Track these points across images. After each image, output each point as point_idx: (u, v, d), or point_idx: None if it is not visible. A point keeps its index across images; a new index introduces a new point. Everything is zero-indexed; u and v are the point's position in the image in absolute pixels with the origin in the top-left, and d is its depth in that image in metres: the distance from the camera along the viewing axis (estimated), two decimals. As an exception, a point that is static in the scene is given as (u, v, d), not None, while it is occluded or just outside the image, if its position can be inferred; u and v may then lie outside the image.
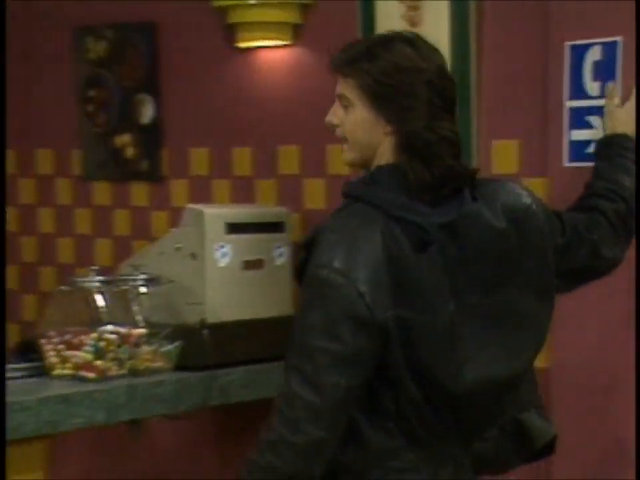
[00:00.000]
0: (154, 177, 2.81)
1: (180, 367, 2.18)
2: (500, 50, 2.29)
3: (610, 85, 2.03)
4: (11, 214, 3.07)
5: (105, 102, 2.85)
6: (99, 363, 2.07)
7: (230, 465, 2.54)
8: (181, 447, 2.73)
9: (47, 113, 2.97)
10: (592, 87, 2.07)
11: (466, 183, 1.62)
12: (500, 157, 2.30)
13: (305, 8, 2.53)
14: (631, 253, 1.90)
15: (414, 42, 1.62)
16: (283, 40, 2.53)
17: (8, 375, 2.03)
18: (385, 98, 1.59)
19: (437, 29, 2.34)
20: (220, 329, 2.26)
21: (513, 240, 1.62)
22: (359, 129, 1.62)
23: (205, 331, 2.26)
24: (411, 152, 1.59)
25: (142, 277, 2.25)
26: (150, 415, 2.12)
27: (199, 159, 2.75)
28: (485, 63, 2.30)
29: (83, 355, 2.07)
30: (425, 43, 1.64)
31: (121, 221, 2.88)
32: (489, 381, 1.62)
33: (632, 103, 1.98)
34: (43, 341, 2.12)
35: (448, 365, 1.58)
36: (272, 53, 2.58)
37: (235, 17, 2.53)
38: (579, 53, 2.09)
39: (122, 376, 2.08)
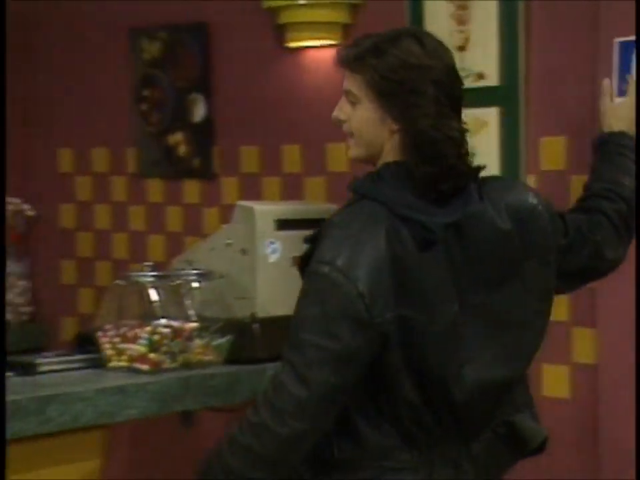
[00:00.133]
0: (205, 174, 2.83)
1: (231, 360, 2.19)
2: (548, 48, 2.26)
3: (605, 81, 1.98)
4: (69, 211, 3.11)
5: (159, 101, 2.87)
6: (152, 355, 2.09)
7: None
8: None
9: (102, 113, 3.01)
10: (641, 83, 2.04)
11: (470, 182, 1.59)
12: (548, 154, 2.28)
13: (354, 8, 2.53)
14: (631, 252, 1.86)
15: (422, 39, 1.60)
16: (332, 40, 2.53)
17: (67, 365, 2.06)
18: (391, 95, 1.57)
19: (485, 28, 2.32)
20: (269, 323, 2.26)
21: (517, 241, 1.60)
22: (365, 125, 1.61)
23: (255, 325, 2.26)
24: (417, 150, 1.57)
25: (194, 272, 2.26)
26: (201, 407, 2.13)
27: (249, 156, 2.76)
28: (533, 61, 2.28)
29: (138, 348, 2.09)
30: (434, 40, 1.61)
31: (174, 218, 2.91)
32: (488, 383, 1.60)
33: (631, 99, 1.92)
34: (99, 333, 2.14)
35: (449, 365, 1.56)
36: (321, 52, 2.58)
37: (284, 17, 2.53)
38: (627, 50, 2.06)
39: (175, 369, 2.10)
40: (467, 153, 1.61)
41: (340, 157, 2.60)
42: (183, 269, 2.28)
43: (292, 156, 2.68)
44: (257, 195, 2.72)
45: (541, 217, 1.64)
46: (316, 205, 2.56)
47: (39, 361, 2.06)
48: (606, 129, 1.92)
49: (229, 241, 2.30)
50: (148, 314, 2.15)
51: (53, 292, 3.14)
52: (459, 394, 1.57)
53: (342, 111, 1.64)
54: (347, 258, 1.52)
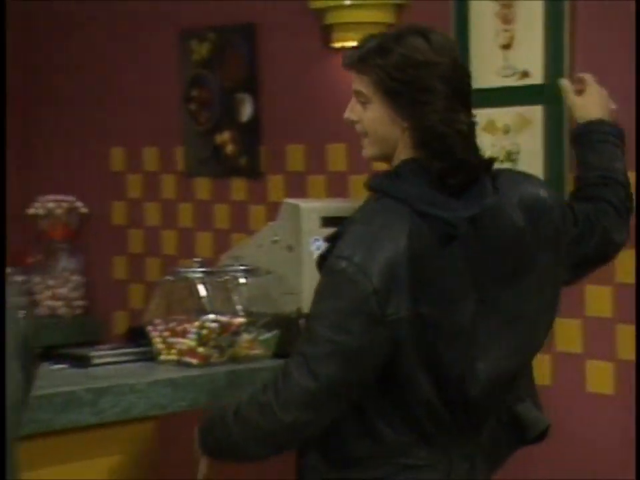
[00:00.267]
0: (252, 172, 2.84)
1: (277, 354, 2.20)
2: (592, 46, 2.23)
3: (561, 81, 1.96)
4: (120, 208, 3.15)
5: (207, 101, 2.89)
6: (201, 349, 2.10)
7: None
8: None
9: (153, 113, 3.04)
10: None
11: (482, 174, 1.58)
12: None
13: (398, 8, 2.52)
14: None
15: (427, 35, 1.58)
16: (377, 40, 2.52)
17: (120, 358, 2.09)
18: (399, 93, 1.56)
19: (530, 27, 2.30)
20: (315, 318, 2.27)
21: (529, 235, 1.59)
22: (377, 124, 1.60)
23: (301, 320, 2.27)
24: (427, 146, 1.56)
25: (241, 268, 2.27)
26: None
27: (295, 155, 2.77)
28: (578, 59, 2.25)
29: (187, 342, 2.11)
30: (440, 36, 1.60)
31: (221, 215, 2.93)
32: (500, 376, 1.59)
33: (595, 88, 1.90)
34: (149, 328, 2.16)
35: (464, 361, 1.55)
36: (366, 52, 2.58)
37: (330, 18, 2.54)
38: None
39: (223, 362, 2.11)
40: (476, 146, 1.60)
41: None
42: (231, 265, 2.30)
43: (337, 154, 2.69)
44: (302, 193, 2.72)
45: (552, 212, 1.63)
46: (360, 202, 2.55)
47: (92, 353, 2.09)
48: (581, 121, 1.89)
49: (275, 238, 2.31)
50: (197, 309, 2.17)
51: (105, 287, 3.18)
52: (473, 389, 1.57)
53: (353, 111, 1.64)
54: (365, 254, 1.52)
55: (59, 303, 3.13)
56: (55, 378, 1.90)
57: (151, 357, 2.12)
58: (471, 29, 2.38)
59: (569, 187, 2.16)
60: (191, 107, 2.93)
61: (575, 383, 2.31)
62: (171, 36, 2.95)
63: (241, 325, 2.17)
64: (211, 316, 2.15)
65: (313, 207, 2.35)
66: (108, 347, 2.20)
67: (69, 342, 2.67)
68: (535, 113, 2.33)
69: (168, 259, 3.00)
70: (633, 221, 2.13)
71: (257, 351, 2.19)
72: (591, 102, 1.89)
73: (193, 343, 2.10)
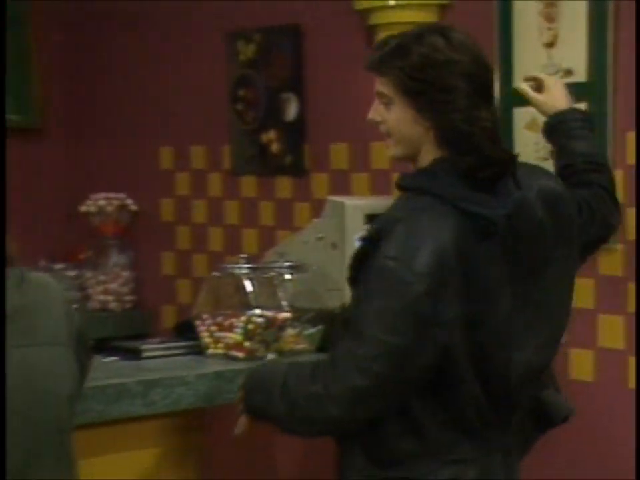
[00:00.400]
0: (297, 171, 2.85)
1: (321, 348, 2.20)
2: (635, 44, 2.20)
3: (520, 85, 1.95)
4: (169, 205, 3.18)
5: (253, 101, 2.91)
6: (247, 344, 2.12)
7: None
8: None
9: (200, 112, 3.06)
10: None
11: (507, 170, 1.57)
12: (635, 148, 2.22)
13: (442, 8, 2.51)
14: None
15: (447, 34, 1.56)
16: (420, 40, 2.52)
17: (169, 351, 2.11)
18: (420, 94, 1.55)
19: (574, 25, 2.28)
20: (359, 314, 2.27)
21: (549, 227, 1.59)
22: (401, 125, 1.59)
23: (343, 315, 2.27)
24: (452, 145, 1.55)
25: (286, 264, 2.29)
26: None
27: (339, 153, 2.77)
28: (621, 57, 2.22)
29: (234, 336, 2.13)
30: (459, 33, 1.58)
31: (267, 212, 2.94)
32: (535, 368, 1.60)
33: (552, 80, 1.92)
34: (197, 322, 2.19)
35: (506, 355, 1.56)
36: (410, 52, 2.57)
37: (375, 19, 2.53)
38: None
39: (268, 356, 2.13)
40: (500, 141, 1.59)
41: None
42: (276, 262, 2.31)
43: (380, 152, 2.68)
44: (346, 191, 2.73)
45: (567, 203, 1.64)
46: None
47: (143, 346, 2.11)
48: (552, 111, 1.88)
49: (320, 235, 2.32)
50: (243, 304, 2.18)
51: (154, 282, 3.21)
52: (514, 381, 1.58)
53: (376, 112, 1.63)
54: (413, 254, 1.51)
55: (110, 298, 3.17)
56: (107, 370, 1.93)
57: (198, 350, 2.14)
58: (514, 28, 2.36)
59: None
60: (237, 106, 2.95)
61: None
62: (218, 37, 2.97)
63: (286, 319, 2.18)
64: (257, 311, 2.16)
65: (357, 205, 2.35)
66: (158, 341, 2.23)
67: (119, 335, 2.71)
68: (579, 111, 2.31)
69: (214, 255, 3.02)
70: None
71: (302, 346, 2.20)
72: (554, 95, 1.89)
73: (239, 337, 2.12)
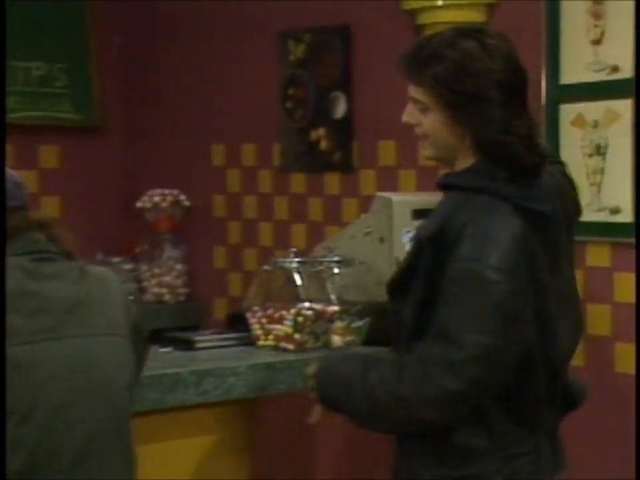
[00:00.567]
0: (345, 167, 2.85)
1: (369, 341, 2.20)
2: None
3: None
4: (220, 201, 3.20)
5: (303, 100, 2.91)
6: (297, 336, 2.12)
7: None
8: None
9: (252, 111, 3.07)
10: None
11: (541, 172, 1.57)
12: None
13: (489, 7, 2.49)
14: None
15: (480, 38, 1.54)
16: (467, 38, 2.49)
17: (221, 343, 2.13)
18: (455, 104, 1.53)
19: (620, 22, 2.24)
20: (406, 307, 2.26)
21: (560, 217, 1.60)
22: (437, 131, 1.57)
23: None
24: (489, 153, 1.54)
25: (335, 258, 2.29)
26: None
27: (387, 150, 2.77)
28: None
29: (284, 329, 2.13)
30: (493, 36, 1.55)
31: (315, 208, 2.94)
32: (570, 354, 1.62)
33: None
34: (248, 314, 2.20)
35: (556, 343, 1.57)
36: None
37: (423, 18, 2.52)
38: None
39: (317, 348, 2.13)
40: (536, 145, 1.57)
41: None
42: (325, 256, 2.31)
43: (427, 149, 2.67)
44: (393, 187, 2.72)
45: (567, 189, 1.65)
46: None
47: (196, 338, 2.14)
48: None
49: (368, 230, 2.31)
50: (293, 297, 2.19)
51: (206, 275, 3.24)
52: (562, 369, 1.60)
53: (411, 116, 1.61)
54: (493, 254, 1.50)
55: (164, 290, 3.21)
56: (162, 360, 1.95)
57: (249, 342, 2.16)
58: (561, 25, 2.33)
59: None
60: (287, 105, 2.96)
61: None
62: (269, 38, 2.98)
63: (334, 312, 2.19)
64: (306, 304, 2.17)
65: (405, 200, 2.34)
66: (210, 332, 2.25)
67: (173, 326, 2.74)
68: (625, 107, 2.27)
69: (264, 249, 3.03)
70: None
71: (350, 338, 2.20)
72: None
73: (289, 330, 2.13)
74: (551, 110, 2.37)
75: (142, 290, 3.19)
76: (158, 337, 2.12)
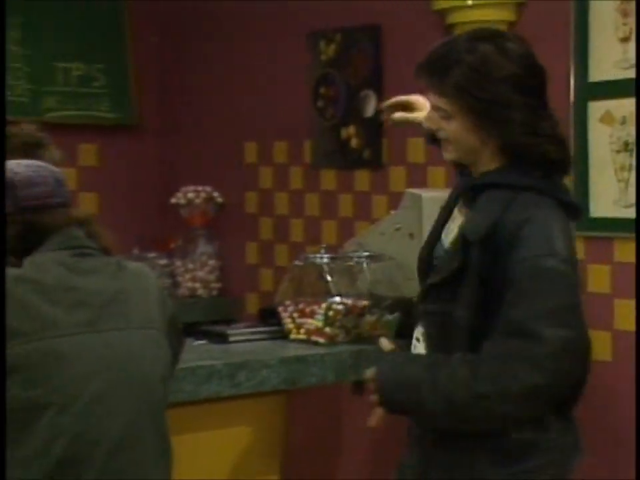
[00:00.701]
0: (375, 164, 2.85)
1: (399, 335, 2.20)
2: None
3: (391, 117, 1.95)
4: (253, 198, 3.21)
5: (334, 98, 2.91)
6: (328, 330, 2.13)
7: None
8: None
9: (283, 109, 3.08)
10: None
11: (569, 165, 1.59)
12: None
13: (518, 6, 2.47)
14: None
15: (499, 42, 1.52)
16: (497, 37, 2.48)
17: (254, 336, 2.14)
18: (477, 110, 1.52)
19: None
20: (434, 302, 2.25)
21: None
22: (461, 137, 1.56)
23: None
24: (515, 156, 1.54)
25: (365, 254, 2.29)
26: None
27: (416, 147, 2.76)
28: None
29: (315, 322, 2.14)
30: (512, 41, 1.54)
31: (346, 205, 2.94)
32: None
33: (412, 97, 1.93)
34: (280, 308, 2.21)
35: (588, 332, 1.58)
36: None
37: (452, 18, 2.50)
38: None
39: (348, 342, 2.14)
40: (563, 140, 1.57)
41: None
42: (355, 252, 2.31)
43: (456, 147, 2.65)
44: (422, 183, 2.71)
45: None
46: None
47: (229, 331, 2.15)
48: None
49: (397, 226, 2.31)
50: (324, 292, 2.20)
51: (238, 270, 3.25)
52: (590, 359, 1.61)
53: (433, 122, 1.60)
54: (563, 248, 1.51)
55: (198, 285, 3.23)
56: (196, 353, 1.97)
57: (281, 335, 2.17)
58: (590, 23, 2.31)
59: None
60: (318, 103, 2.96)
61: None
62: (301, 38, 2.98)
63: (364, 307, 2.19)
64: (337, 298, 2.17)
65: (434, 196, 2.33)
66: (243, 326, 2.26)
67: (206, 320, 2.75)
68: (653, 104, 2.24)
69: (296, 245, 3.04)
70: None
71: (380, 332, 2.20)
72: (424, 105, 1.85)
73: (320, 324, 2.14)
74: (580, 107, 2.35)
75: (176, 285, 3.21)
76: (192, 330, 2.13)
